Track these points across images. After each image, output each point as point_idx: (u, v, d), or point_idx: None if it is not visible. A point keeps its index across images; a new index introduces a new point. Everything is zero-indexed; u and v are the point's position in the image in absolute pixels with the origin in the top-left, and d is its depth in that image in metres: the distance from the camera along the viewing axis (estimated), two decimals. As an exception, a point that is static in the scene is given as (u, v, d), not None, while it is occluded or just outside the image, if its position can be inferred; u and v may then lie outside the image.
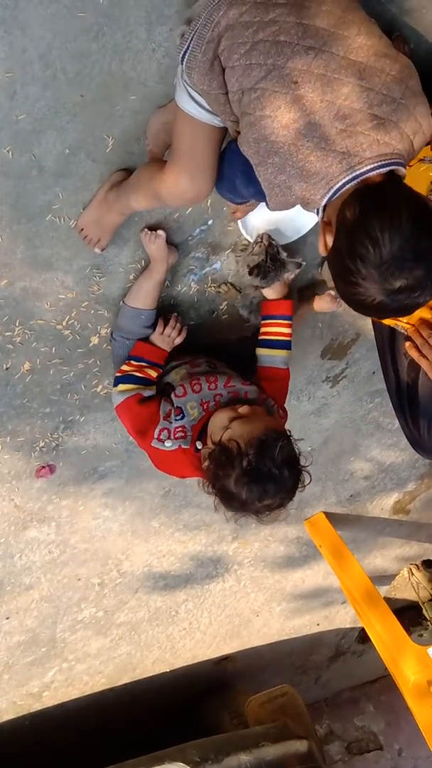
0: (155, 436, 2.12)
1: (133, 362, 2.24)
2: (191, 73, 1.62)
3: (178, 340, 2.31)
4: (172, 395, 2.17)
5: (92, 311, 2.27)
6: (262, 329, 2.39)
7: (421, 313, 2.29)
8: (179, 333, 2.31)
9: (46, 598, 3.11)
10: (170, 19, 1.79)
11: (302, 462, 2.03)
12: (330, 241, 1.60)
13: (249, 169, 1.63)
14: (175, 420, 2.12)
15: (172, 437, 2.10)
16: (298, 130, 1.54)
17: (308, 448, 3.25)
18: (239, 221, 2.20)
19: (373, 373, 3.00)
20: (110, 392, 2.48)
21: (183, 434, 2.11)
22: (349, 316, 2.78)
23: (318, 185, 1.58)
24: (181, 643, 3.95)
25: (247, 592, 3.90)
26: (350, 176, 1.55)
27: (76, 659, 3.57)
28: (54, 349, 2.29)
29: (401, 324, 2.45)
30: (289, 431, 2.08)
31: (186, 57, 1.62)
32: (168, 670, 4.08)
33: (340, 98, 1.54)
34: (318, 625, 4.66)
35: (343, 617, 4.71)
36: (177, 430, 2.11)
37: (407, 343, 2.30)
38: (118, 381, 2.22)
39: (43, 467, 2.60)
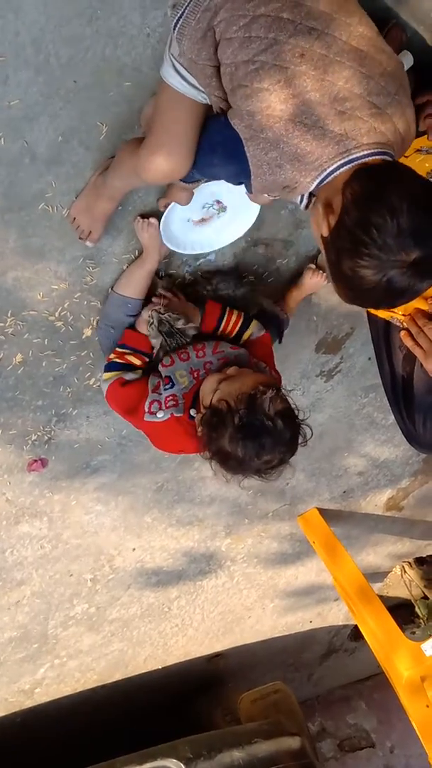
0: (146, 410, 2.09)
1: (117, 350, 2.21)
2: (182, 39, 1.59)
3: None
4: (160, 366, 2.14)
5: (85, 302, 2.24)
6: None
7: (416, 303, 2.28)
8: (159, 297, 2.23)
9: (37, 593, 3.09)
10: (165, 3, 1.75)
11: (299, 415, 1.97)
12: (332, 221, 1.55)
13: (231, 146, 1.59)
14: (165, 390, 2.08)
15: (163, 407, 2.06)
16: (297, 106, 1.51)
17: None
18: (161, 227, 2.10)
19: (369, 359, 2.96)
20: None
21: (175, 402, 2.07)
22: (343, 309, 2.76)
23: (310, 166, 1.55)
24: (174, 640, 3.93)
25: (240, 589, 3.89)
26: (346, 159, 1.53)
27: (68, 656, 3.55)
28: (46, 340, 2.27)
29: (396, 316, 2.44)
30: (284, 386, 2.05)
31: (179, 23, 1.58)
32: (160, 667, 4.06)
33: (340, 80, 1.52)
34: (311, 622, 4.65)
35: (335, 615, 4.70)
36: (168, 399, 2.07)
37: (402, 332, 2.29)
38: (104, 370, 2.21)
39: (35, 461, 2.58)
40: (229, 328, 2.24)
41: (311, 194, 1.67)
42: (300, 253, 2.47)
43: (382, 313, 2.49)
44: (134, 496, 2.92)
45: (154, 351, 2.19)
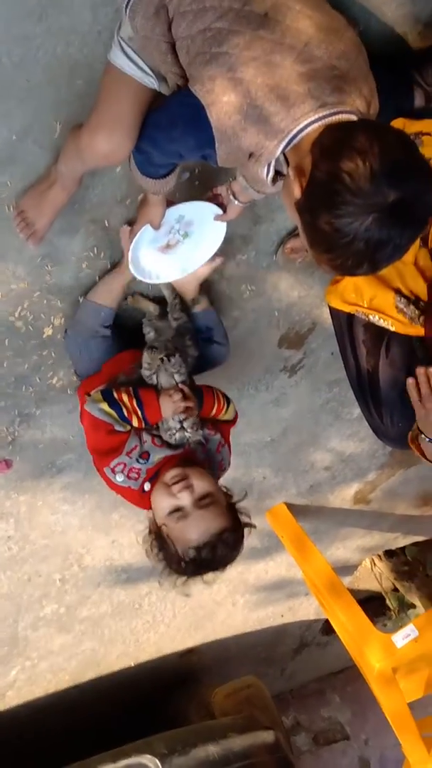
0: (110, 466, 2.11)
1: (133, 400, 2.11)
2: (135, 17, 1.60)
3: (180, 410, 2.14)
4: (148, 437, 2.13)
5: (45, 301, 2.24)
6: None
7: (412, 281, 2.29)
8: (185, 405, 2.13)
9: (6, 596, 3.08)
10: (114, 0, 1.77)
11: (243, 531, 2.08)
12: (304, 182, 1.53)
13: (192, 115, 1.57)
14: (138, 461, 2.10)
15: (125, 474, 2.10)
16: (257, 68, 1.51)
17: (268, 438, 3.25)
18: (130, 254, 2.06)
19: (332, 353, 2.98)
20: (65, 384, 2.46)
21: (137, 476, 2.11)
22: (305, 305, 2.77)
23: (275, 128, 1.53)
24: (145, 637, 3.93)
25: (198, 587, 3.89)
26: (313, 118, 1.52)
27: (39, 657, 3.54)
28: (7, 341, 2.26)
29: (361, 309, 2.45)
30: (226, 488, 2.15)
31: (131, 1, 1.60)
32: (133, 665, 4.06)
33: (300, 44, 1.52)
34: (282, 616, 4.67)
35: (306, 609, 4.72)
36: (132, 470, 2.10)
37: (410, 380, 2.32)
38: (104, 394, 2.12)
39: (0, 462, 2.57)
40: (216, 412, 2.25)
41: (277, 172, 1.66)
42: (259, 248, 2.48)
43: (345, 307, 2.50)
44: (100, 494, 2.91)
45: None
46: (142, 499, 2.13)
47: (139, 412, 2.10)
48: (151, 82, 1.72)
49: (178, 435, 2.12)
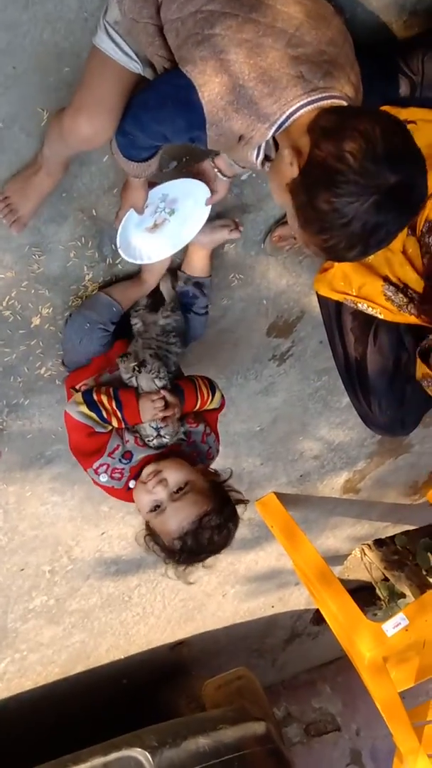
0: (93, 467, 2.12)
1: (112, 401, 2.10)
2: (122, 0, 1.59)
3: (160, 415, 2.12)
4: (131, 437, 2.14)
5: (33, 291, 2.22)
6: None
7: (400, 269, 2.30)
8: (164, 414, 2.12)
9: (-5, 587, 3.08)
10: (101, -13, 1.76)
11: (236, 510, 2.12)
12: (301, 161, 1.55)
13: (182, 96, 1.57)
14: (120, 462, 2.11)
15: (108, 475, 2.11)
16: (250, 49, 1.52)
17: (257, 428, 3.25)
18: (119, 237, 2.06)
19: (320, 342, 2.98)
20: (54, 374, 2.45)
21: (120, 476, 2.12)
22: (293, 293, 2.77)
23: (268, 110, 1.54)
24: (135, 629, 3.93)
25: (200, 575, 3.89)
26: (306, 100, 1.54)
27: (29, 649, 3.53)
28: (-6, 330, 2.25)
29: (350, 297, 2.46)
30: (213, 469, 2.19)
31: None
32: (122, 657, 4.06)
33: (291, 28, 1.54)
34: (272, 607, 4.67)
35: (297, 599, 4.73)
36: (116, 470, 2.11)
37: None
38: (85, 396, 2.11)
39: (-12, 452, 2.56)
40: (200, 405, 2.25)
41: (266, 156, 1.67)
42: (247, 237, 2.47)
43: (334, 295, 2.51)
44: (90, 485, 2.85)
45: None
46: (128, 495, 2.15)
47: (119, 414, 2.10)
48: (136, 67, 1.71)
49: (155, 441, 2.13)
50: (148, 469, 2.08)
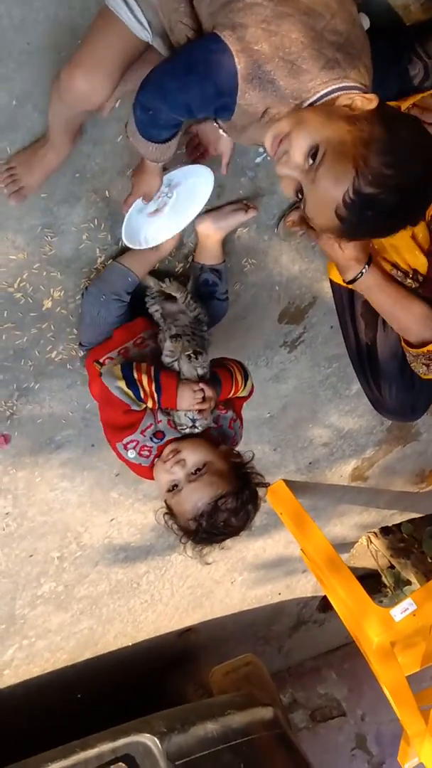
0: (123, 442, 2.09)
1: (152, 383, 2.06)
2: None
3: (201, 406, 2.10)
4: (163, 417, 2.10)
5: (44, 273, 2.20)
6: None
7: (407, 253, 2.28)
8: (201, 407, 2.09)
9: (4, 573, 3.05)
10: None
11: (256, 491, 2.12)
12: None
13: (214, 61, 1.53)
14: (151, 440, 2.08)
15: (137, 452, 2.09)
16: (294, 24, 1.50)
17: (267, 414, 3.23)
18: (124, 225, 2.05)
19: (331, 327, 2.96)
20: (65, 359, 2.43)
21: (148, 454, 2.10)
22: (305, 279, 2.75)
23: (303, 87, 1.54)
24: (143, 616, 3.92)
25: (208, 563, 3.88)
26: (339, 85, 1.55)
27: (37, 635, 3.52)
28: (6, 312, 2.22)
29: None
30: (236, 451, 2.16)
31: None
32: (130, 644, 4.05)
33: (328, 15, 1.54)
34: (279, 594, 4.67)
35: (304, 586, 4.73)
36: (144, 448, 2.09)
37: None
38: (124, 371, 2.06)
39: (-2, 437, 2.54)
40: (233, 393, 2.23)
41: None
42: (261, 221, 2.45)
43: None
44: (99, 471, 2.89)
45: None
46: (151, 473, 2.14)
47: (156, 396, 2.06)
48: (146, 36, 1.67)
49: (187, 431, 2.11)
50: (167, 449, 2.07)
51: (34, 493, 2.80)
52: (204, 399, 2.06)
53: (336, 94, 1.55)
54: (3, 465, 2.62)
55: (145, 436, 2.07)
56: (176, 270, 2.43)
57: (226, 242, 2.42)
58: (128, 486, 3.04)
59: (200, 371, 2.12)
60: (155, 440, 2.08)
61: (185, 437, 2.11)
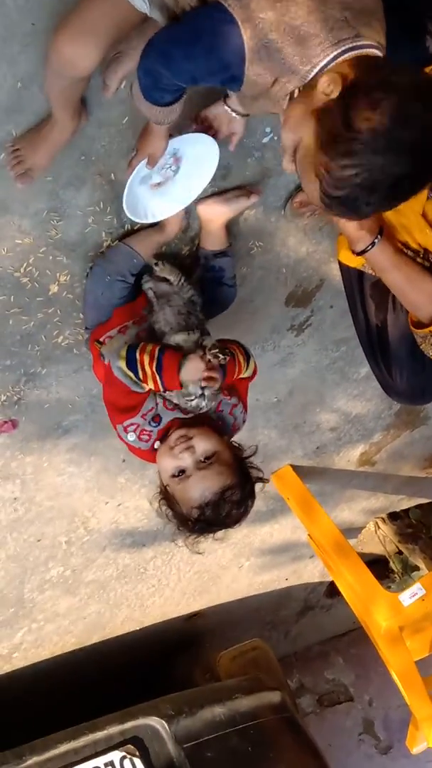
0: (123, 424, 2.09)
1: (153, 363, 2.02)
2: None
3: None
4: (160, 399, 2.10)
5: (50, 257, 2.19)
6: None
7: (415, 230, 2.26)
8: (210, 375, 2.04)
9: (12, 557, 3.06)
10: None
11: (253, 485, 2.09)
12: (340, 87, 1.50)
13: (220, 31, 1.51)
14: (150, 424, 2.08)
15: (136, 435, 2.08)
16: None
17: (274, 399, 3.23)
18: (125, 194, 2.01)
19: (340, 310, 2.95)
20: (72, 343, 2.42)
21: (147, 438, 2.09)
22: (313, 261, 2.73)
23: (312, 51, 1.49)
24: (151, 601, 3.93)
25: (215, 548, 3.88)
26: (350, 45, 1.49)
27: (45, 619, 3.53)
28: (12, 297, 2.22)
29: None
30: (238, 444, 2.14)
31: None
32: (138, 628, 4.07)
33: None
34: (286, 580, 4.67)
35: (311, 572, 4.73)
36: (144, 432, 2.08)
37: None
38: (128, 352, 2.04)
39: (6, 422, 2.54)
40: (236, 375, 2.19)
41: None
42: (267, 202, 2.44)
43: (354, 261, 2.47)
44: (106, 456, 2.89)
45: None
46: (152, 456, 2.13)
47: (158, 378, 2.03)
48: (142, 6, 1.63)
49: (195, 402, 2.06)
50: (177, 434, 2.04)
51: (42, 478, 2.81)
52: (212, 368, 2.03)
53: (347, 55, 1.49)
54: (11, 450, 2.63)
55: (145, 419, 2.07)
56: (183, 252, 2.41)
57: (233, 225, 2.40)
58: (135, 471, 3.04)
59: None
60: (153, 424, 2.07)
61: (190, 423, 2.08)
